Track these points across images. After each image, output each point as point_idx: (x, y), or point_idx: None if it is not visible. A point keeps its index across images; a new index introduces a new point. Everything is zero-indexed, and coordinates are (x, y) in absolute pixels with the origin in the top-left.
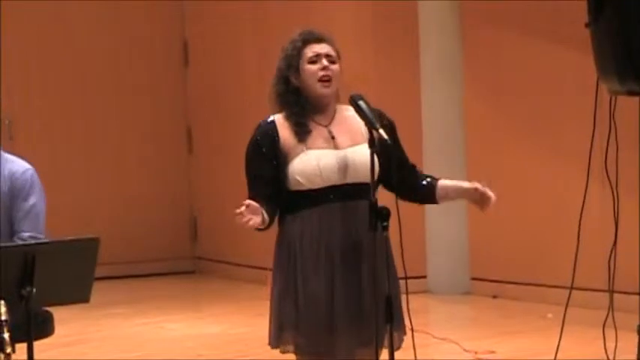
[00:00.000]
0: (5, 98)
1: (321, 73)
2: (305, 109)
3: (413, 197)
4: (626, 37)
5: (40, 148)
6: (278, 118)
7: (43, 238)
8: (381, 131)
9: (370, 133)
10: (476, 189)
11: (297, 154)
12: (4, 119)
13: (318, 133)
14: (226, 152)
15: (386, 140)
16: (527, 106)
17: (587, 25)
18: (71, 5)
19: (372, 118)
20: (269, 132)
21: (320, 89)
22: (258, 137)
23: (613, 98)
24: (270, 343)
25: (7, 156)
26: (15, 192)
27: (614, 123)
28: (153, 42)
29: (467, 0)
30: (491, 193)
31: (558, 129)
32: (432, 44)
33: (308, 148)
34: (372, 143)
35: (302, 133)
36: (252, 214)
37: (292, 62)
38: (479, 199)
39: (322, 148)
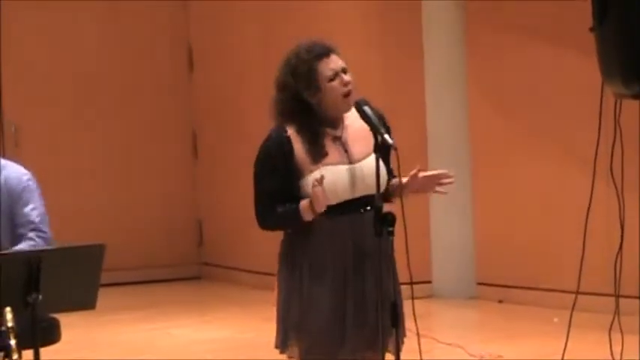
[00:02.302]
0: (11, 105)
1: (345, 90)
2: (319, 123)
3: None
4: (631, 40)
5: (46, 154)
6: (291, 132)
7: (47, 236)
8: (386, 136)
9: (375, 137)
10: (412, 176)
11: (313, 170)
12: (10, 126)
13: (332, 147)
14: (232, 157)
15: (391, 145)
16: (532, 108)
17: (591, 30)
18: (76, 11)
19: (377, 124)
20: (284, 147)
21: (344, 106)
22: (272, 152)
23: (618, 102)
24: (276, 346)
25: (3, 162)
26: (14, 198)
27: (619, 127)
28: (158, 47)
29: (471, 1)
30: (435, 172)
31: (563, 132)
32: (436, 46)
33: (324, 165)
34: (376, 148)
35: (317, 152)
36: (326, 195)
37: (309, 82)
38: (423, 183)
39: (337, 163)
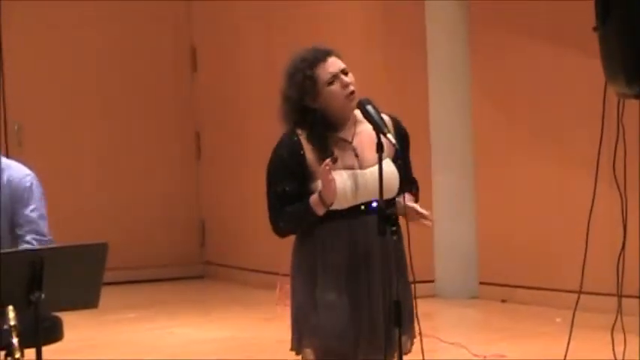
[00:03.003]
0: (14, 104)
1: (346, 92)
2: (326, 128)
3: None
4: (634, 40)
5: (48, 153)
6: (302, 136)
7: (47, 239)
8: (389, 136)
9: (378, 137)
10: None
11: None
12: (14, 125)
13: (343, 152)
14: (234, 157)
15: (394, 145)
16: (535, 108)
17: (594, 29)
18: (79, 11)
19: (381, 123)
20: (295, 150)
21: (348, 105)
22: (285, 155)
23: (621, 102)
24: (292, 349)
25: (6, 162)
26: (16, 199)
27: (622, 127)
28: (161, 48)
29: (474, 1)
30: (420, 210)
31: (566, 132)
32: (439, 46)
33: (334, 170)
34: (379, 148)
35: (327, 157)
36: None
37: (308, 89)
38: (413, 216)
39: (347, 168)
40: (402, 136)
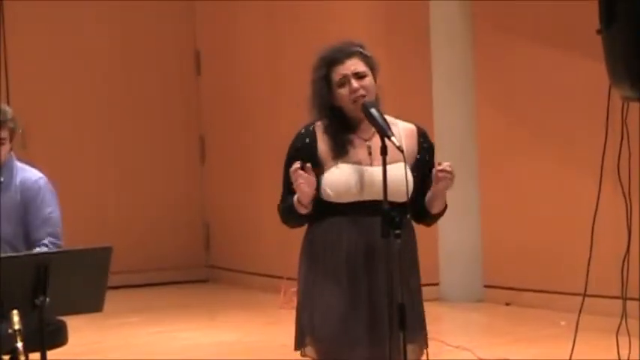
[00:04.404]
0: (19, 107)
1: (352, 97)
2: (345, 124)
3: (425, 219)
4: (638, 43)
5: (53, 156)
6: (319, 127)
7: (61, 243)
8: (393, 139)
9: (382, 140)
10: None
11: (331, 167)
12: (18, 128)
13: (356, 148)
14: (239, 161)
15: (399, 148)
16: (539, 110)
17: (598, 32)
18: (83, 15)
19: (384, 126)
20: (308, 141)
21: (355, 111)
22: (298, 145)
23: (625, 104)
24: (295, 347)
25: (20, 165)
26: (29, 201)
27: (627, 129)
28: (165, 52)
29: (478, 2)
30: (440, 168)
31: (570, 135)
32: (443, 47)
33: (343, 162)
34: (383, 151)
35: (339, 150)
36: (308, 183)
37: (323, 90)
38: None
39: (358, 163)
40: (429, 148)
